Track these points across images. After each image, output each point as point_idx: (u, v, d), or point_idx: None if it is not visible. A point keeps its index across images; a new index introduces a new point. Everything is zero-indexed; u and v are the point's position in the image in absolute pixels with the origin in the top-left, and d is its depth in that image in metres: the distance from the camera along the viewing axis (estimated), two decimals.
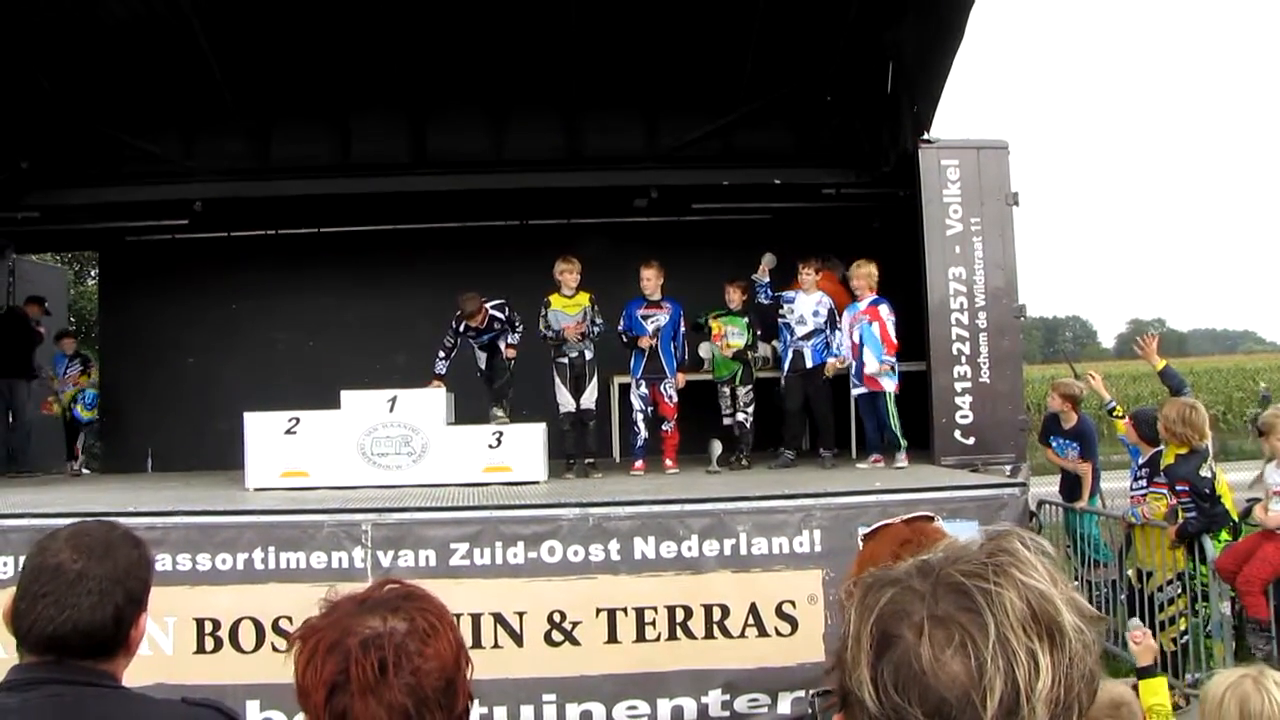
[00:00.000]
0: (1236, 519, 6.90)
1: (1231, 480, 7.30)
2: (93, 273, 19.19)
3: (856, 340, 9.18)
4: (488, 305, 9.40)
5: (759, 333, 9.95)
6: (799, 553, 6.88)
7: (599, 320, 9.42)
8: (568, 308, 9.31)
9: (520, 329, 9.49)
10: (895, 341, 9.11)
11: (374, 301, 11.61)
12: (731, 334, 9.73)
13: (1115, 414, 8.38)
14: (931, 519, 3.41)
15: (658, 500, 7.10)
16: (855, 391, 9.33)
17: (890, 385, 9.08)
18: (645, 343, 9.41)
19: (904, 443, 8.97)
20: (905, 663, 1.16)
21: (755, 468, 9.43)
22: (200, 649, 6.47)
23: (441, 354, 9.51)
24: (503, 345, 9.49)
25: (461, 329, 9.43)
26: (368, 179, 10.83)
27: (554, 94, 10.95)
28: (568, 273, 9.42)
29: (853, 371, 9.28)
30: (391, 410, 8.48)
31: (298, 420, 8.48)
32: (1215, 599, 6.48)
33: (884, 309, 9.15)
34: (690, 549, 6.85)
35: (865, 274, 9.24)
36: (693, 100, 11.00)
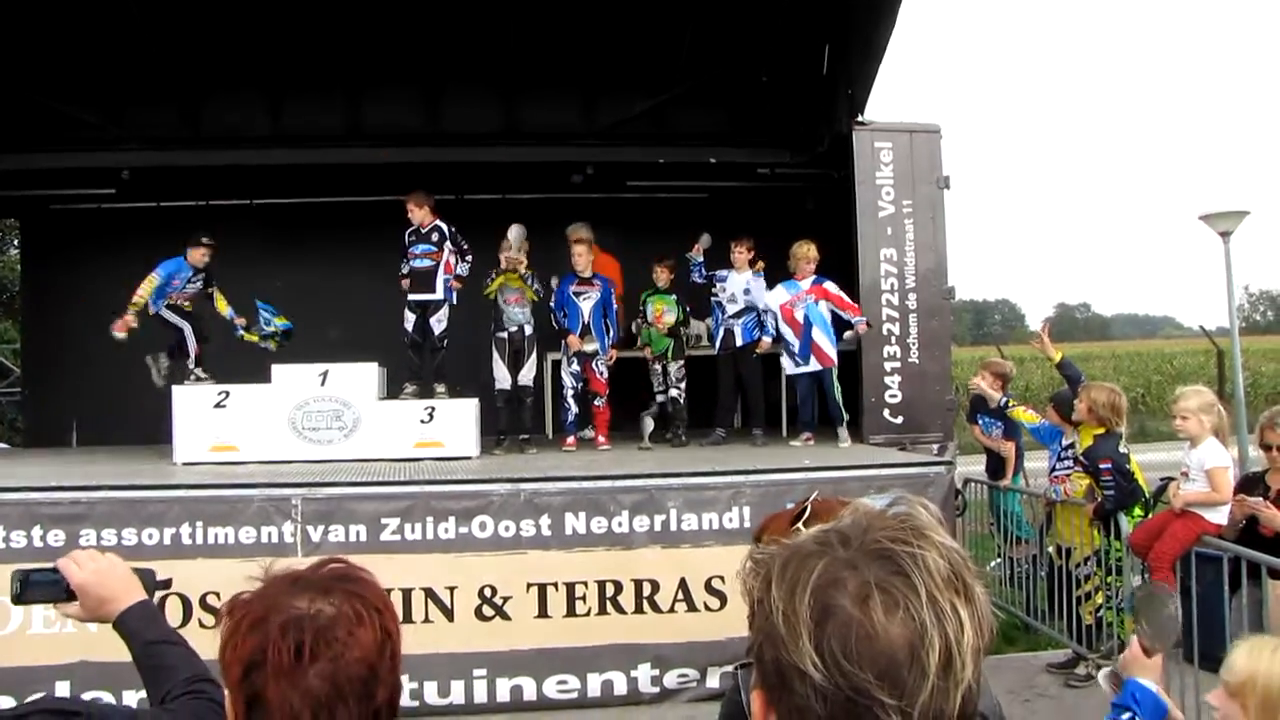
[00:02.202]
0: (1149, 496, 7.10)
1: (1148, 460, 7.48)
2: (16, 242, 18.68)
3: (800, 320, 9.18)
4: (440, 221, 9.21)
5: (689, 309, 10.02)
6: (729, 529, 6.93)
7: (538, 285, 9.28)
8: (512, 281, 9.21)
9: (469, 260, 9.27)
10: (857, 306, 9.10)
11: (307, 274, 11.46)
12: (664, 312, 9.80)
13: (1010, 406, 8.54)
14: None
15: (589, 476, 7.13)
16: (792, 370, 9.32)
17: (834, 360, 9.14)
18: (574, 343, 9.39)
19: (845, 416, 9.05)
20: (849, 630, 1.18)
21: (688, 445, 9.49)
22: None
23: (403, 265, 9.35)
24: (445, 258, 9.16)
25: (407, 235, 9.25)
26: (301, 150, 10.70)
27: (491, 69, 10.88)
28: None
29: (795, 352, 9.23)
30: (323, 384, 8.43)
31: (227, 394, 8.40)
32: (1128, 573, 6.67)
33: (830, 284, 9.16)
34: (621, 524, 6.88)
35: (805, 254, 9.25)
36: (630, 78, 10.99)
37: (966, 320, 66.04)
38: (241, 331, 9.42)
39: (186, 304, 9.36)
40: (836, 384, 9.11)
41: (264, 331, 9.43)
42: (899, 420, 9.06)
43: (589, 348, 9.36)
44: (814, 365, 9.15)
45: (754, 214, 11.09)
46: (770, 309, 9.39)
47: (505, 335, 9.32)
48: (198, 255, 9.21)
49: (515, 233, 9.21)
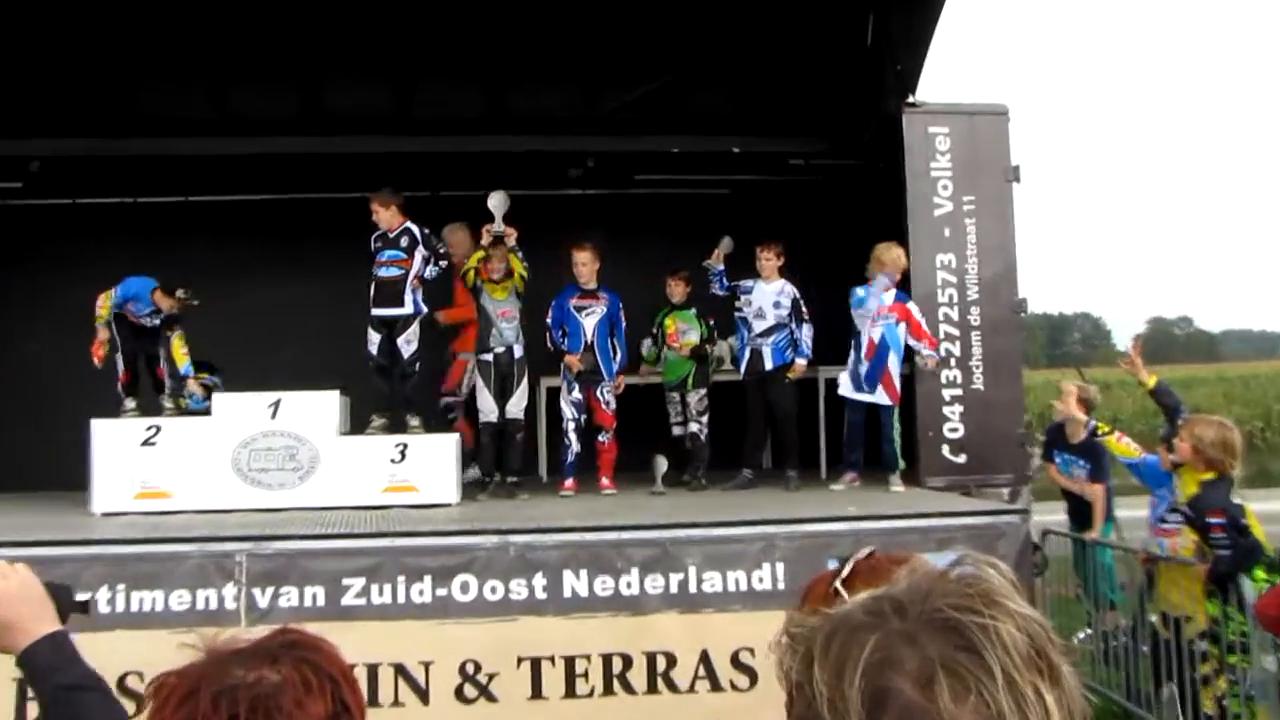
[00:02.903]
0: (1273, 554, 6.95)
1: (1268, 511, 7.32)
2: None
3: (876, 340, 9.12)
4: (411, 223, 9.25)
5: (713, 324, 10.06)
6: (759, 590, 6.88)
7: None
8: (496, 291, 9.24)
9: (441, 265, 9.29)
10: (935, 338, 9.08)
11: (254, 284, 11.43)
12: (684, 331, 9.85)
13: (1101, 433, 8.43)
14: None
15: (592, 527, 7.12)
16: (851, 395, 9.24)
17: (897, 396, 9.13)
18: (572, 362, 9.42)
19: (901, 464, 9.04)
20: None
21: (710, 489, 9.47)
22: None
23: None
24: (415, 268, 9.17)
25: (374, 238, 9.27)
26: (246, 139, 10.71)
27: (472, 42, 10.90)
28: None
29: (862, 375, 9.17)
30: (274, 417, 8.41)
31: (158, 429, 8.38)
32: (1256, 651, 6.50)
33: (914, 306, 9.12)
34: (630, 585, 6.85)
35: (893, 260, 9.14)
36: (638, 53, 11.01)
37: (1041, 338, 65.60)
38: (168, 399, 9.49)
39: (141, 321, 9.53)
40: (897, 423, 9.10)
41: (193, 405, 9.47)
42: (961, 459, 8.99)
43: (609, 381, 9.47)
44: (879, 397, 9.12)
45: (784, 213, 11.09)
46: (807, 321, 9.46)
47: (491, 358, 9.31)
48: (166, 303, 9.37)
49: (497, 200, 9.22)
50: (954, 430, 9.06)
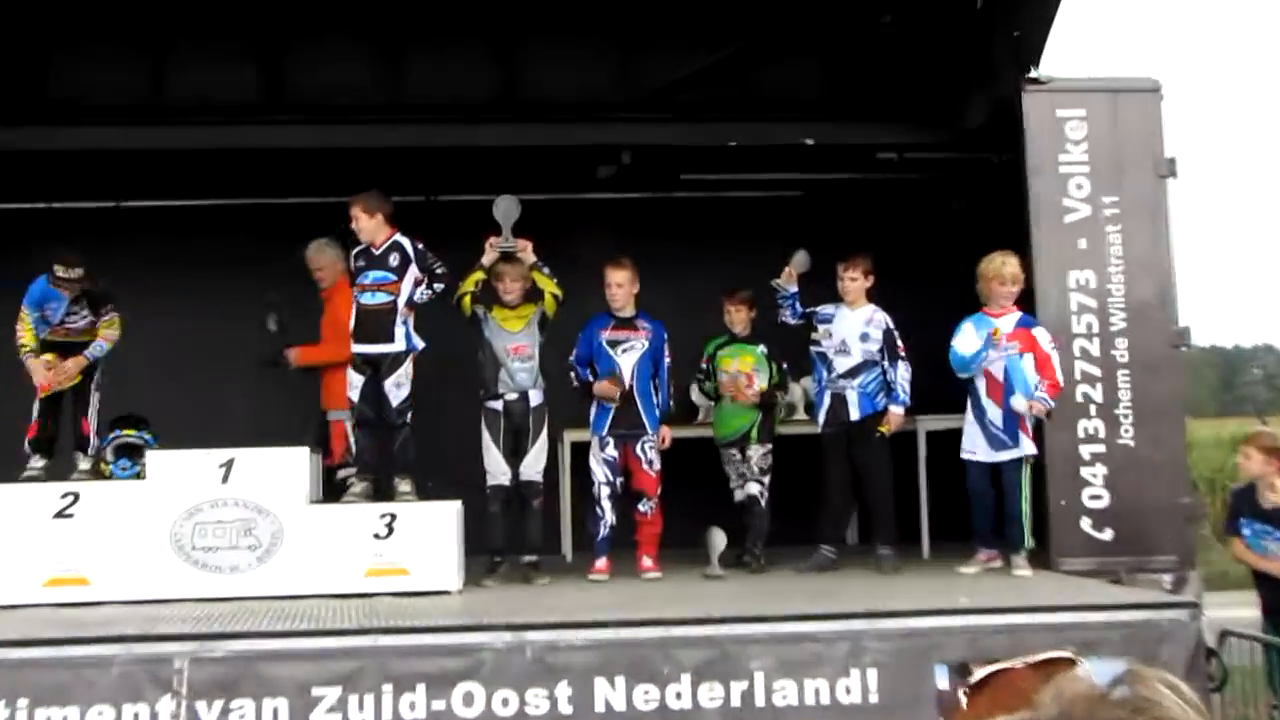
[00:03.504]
0: None
1: None
2: None
3: (1000, 378, 9.04)
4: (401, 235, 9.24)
5: (784, 366, 9.96)
6: (846, 704, 6.81)
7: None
8: (509, 321, 9.20)
9: (441, 283, 9.19)
10: (1060, 380, 8.96)
11: (200, 312, 11.42)
12: (737, 375, 9.78)
13: None
14: (1073, 661, 3.30)
15: (630, 621, 7.14)
16: (984, 456, 9.12)
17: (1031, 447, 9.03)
18: (609, 390, 9.36)
19: (1030, 541, 8.92)
20: None
21: (777, 570, 9.42)
22: None
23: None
24: (406, 293, 9.11)
25: (354, 254, 9.26)
26: (193, 129, 10.70)
27: (479, 8, 10.93)
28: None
29: (993, 427, 9.05)
30: (225, 481, 8.41)
31: (75, 497, 8.34)
32: None
33: (1042, 332, 9.03)
34: (680, 696, 6.80)
35: (1010, 275, 9.09)
36: (684, 23, 11.02)
37: (1209, 378, 64.81)
38: (86, 461, 9.47)
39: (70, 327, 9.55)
40: (1027, 483, 8.95)
41: (119, 473, 9.48)
42: (1107, 536, 8.87)
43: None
44: (1022, 449, 8.99)
45: (873, 221, 11.08)
46: (903, 357, 9.39)
47: (500, 406, 9.25)
48: (70, 272, 9.27)
49: (504, 207, 9.20)
50: (1096, 498, 8.94)
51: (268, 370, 10.17)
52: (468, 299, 9.21)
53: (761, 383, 9.73)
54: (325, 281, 9.74)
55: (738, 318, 9.82)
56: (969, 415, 9.13)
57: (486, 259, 9.15)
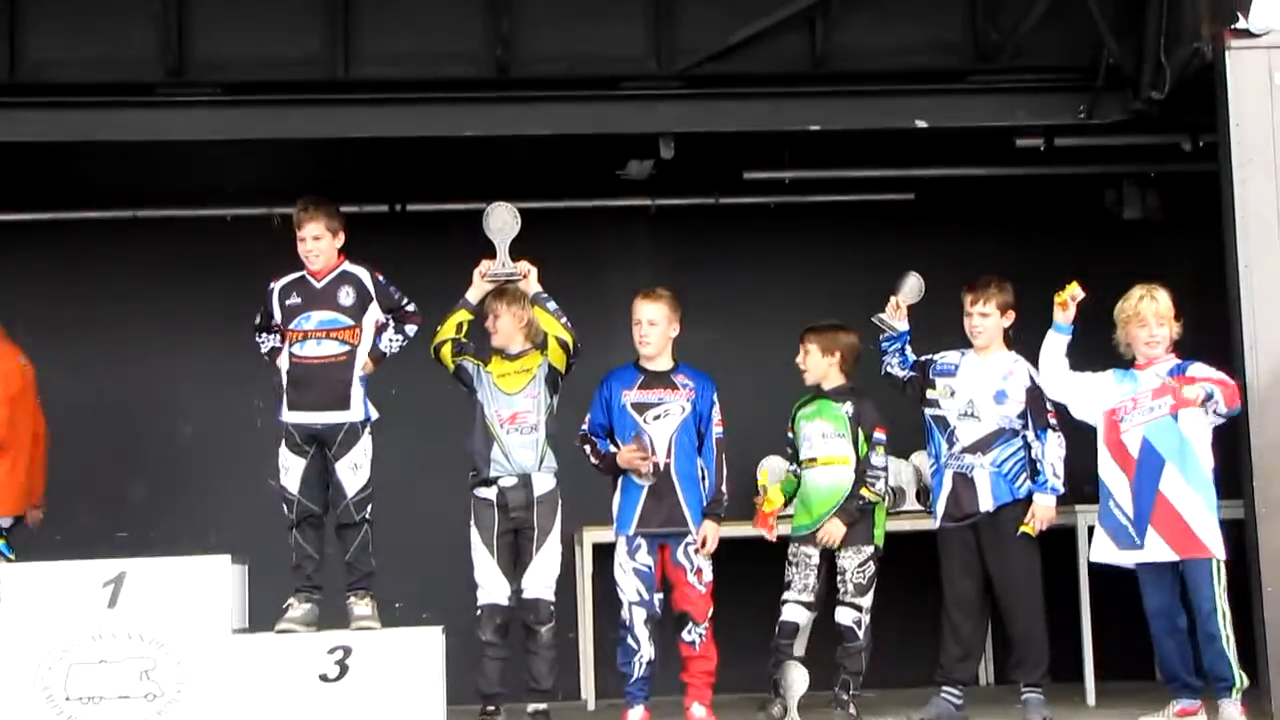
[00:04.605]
0: None
1: None
2: None
3: (1134, 451, 8.83)
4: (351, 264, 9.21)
5: (878, 436, 9.67)
6: None
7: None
8: (507, 378, 9.09)
9: (414, 324, 9.25)
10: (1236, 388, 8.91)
11: (76, 367, 11.43)
12: (824, 436, 9.53)
13: None
14: None
15: None
16: (1115, 558, 8.95)
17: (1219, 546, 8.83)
18: (640, 465, 9.18)
19: (1241, 677, 8.67)
20: None
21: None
22: None
23: (259, 336, 9.47)
24: (367, 343, 9.11)
25: (279, 291, 9.16)
26: (65, 111, 10.59)
27: None
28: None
29: (1129, 516, 8.84)
30: (112, 604, 8.34)
31: None
32: None
33: (1200, 367, 8.91)
34: None
35: (1153, 313, 8.96)
36: None
37: None
38: None
39: None
40: (1223, 597, 8.69)
41: None
42: None
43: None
44: (1157, 552, 8.75)
45: (1008, 235, 11.12)
46: (1053, 427, 9.23)
47: (493, 495, 9.09)
48: None
49: (499, 219, 9.14)
50: None
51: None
52: (448, 348, 9.10)
53: (841, 453, 9.47)
54: None
55: (812, 363, 9.55)
56: (1102, 503, 9.05)
57: (474, 294, 9.08)
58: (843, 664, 9.41)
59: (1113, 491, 8.90)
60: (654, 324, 9.27)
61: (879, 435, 9.57)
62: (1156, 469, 8.75)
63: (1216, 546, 8.65)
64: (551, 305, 9.10)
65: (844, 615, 9.38)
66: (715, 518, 9.31)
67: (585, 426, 9.39)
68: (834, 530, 9.26)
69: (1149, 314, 8.91)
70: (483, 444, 9.09)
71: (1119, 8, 10.51)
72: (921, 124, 10.67)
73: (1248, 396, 8.90)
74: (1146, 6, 10.23)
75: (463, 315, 9.06)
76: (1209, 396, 8.65)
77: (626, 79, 10.78)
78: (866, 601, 9.41)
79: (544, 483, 9.08)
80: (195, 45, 10.74)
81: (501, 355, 9.12)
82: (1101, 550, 9.00)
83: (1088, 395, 9.04)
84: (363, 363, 8.98)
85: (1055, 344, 9.06)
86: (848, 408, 9.52)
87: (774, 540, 9.64)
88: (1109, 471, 8.91)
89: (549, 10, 10.85)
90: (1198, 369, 8.86)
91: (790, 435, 9.81)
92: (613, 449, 9.30)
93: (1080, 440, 9.29)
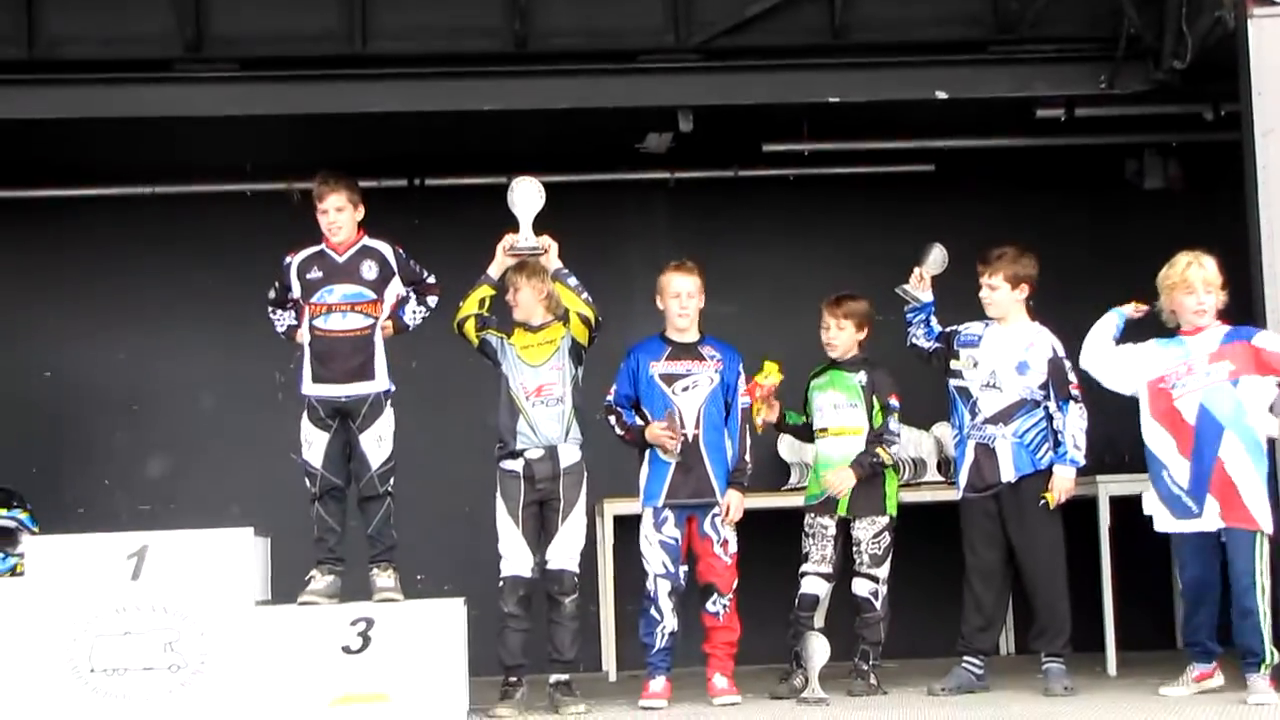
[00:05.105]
0: None
1: None
2: None
3: (1191, 419, 8.70)
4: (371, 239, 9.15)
5: (893, 404, 9.66)
6: None
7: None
8: (530, 350, 9.05)
9: (435, 295, 9.23)
10: None
11: (96, 340, 11.54)
12: (835, 406, 9.53)
13: None
14: None
15: None
16: (1170, 526, 8.83)
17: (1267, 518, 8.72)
18: (664, 437, 9.12)
19: (1273, 653, 8.55)
20: None
21: (900, 692, 9.42)
22: None
23: (274, 313, 9.46)
24: (380, 327, 9.06)
25: (298, 265, 9.10)
26: (84, 88, 10.60)
27: None
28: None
29: (1183, 486, 8.70)
30: (135, 576, 8.30)
31: None
32: None
33: (1268, 339, 8.78)
34: None
35: (1201, 281, 8.79)
36: None
37: None
38: None
39: None
40: (1263, 568, 8.58)
41: None
42: None
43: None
44: (1214, 520, 8.64)
45: (1031, 204, 11.14)
46: (1076, 397, 9.18)
47: (519, 467, 9.06)
48: None
49: (523, 192, 9.08)
50: None
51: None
52: (472, 323, 9.11)
53: (855, 423, 9.45)
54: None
55: (840, 332, 9.48)
56: (1154, 470, 8.88)
57: (495, 268, 9.06)
58: (861, 635, 9.42)
59: (1165, 462, 8.78)
60: (691, 296, 9.28)
61: (894, 402, 9.56)
62: (1216, 436, 8.64)
63: (1265, 519, 8.57)
64: (572, 281, 9.09)
65: (861, 586, 9.41)
66: (739, 486, 9.30)
67: (610, 398, 9.38)
68: (844, 477, 9.22)
69: (1197, 281, 8.77)
70: (508, 416, 9.09)
71: None
72: (941, 95, 10.71)
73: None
74: None
75: (485, 291, 9.05)
76: None
77: (644, 52, 10.81)
78: (883, 572, 9.42)
79: (570, 454, 9.08)
80: (213, 21, 10.83)
81: (524, 328, 9.07)
82: (1162, 521, 8.83)
83: (1129, 365, 8.92)
84: (382, 330, 8.96)
85: (1110, 322, 8.99)
86: (860, 377, 9.52)
87: (759, 426, 9.53)
88: (1158, 441, 8.78)
89: None
90: (1267, 340, 8.71)
91: (806, 409, 9.80)
92: (639, 421, 9.29)
93: (1102, 411, 9.31)
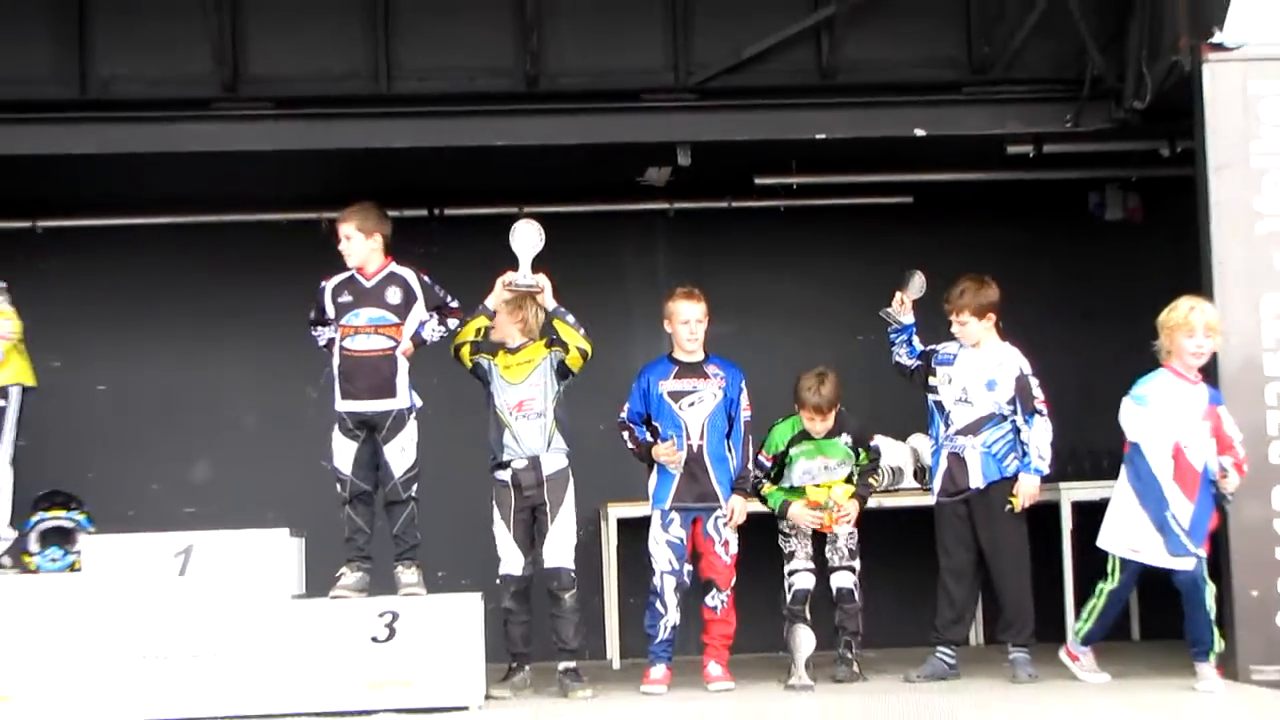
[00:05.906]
0: None
1: None
2: None
3: (1198, 465, 8.80)
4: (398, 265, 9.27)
5: (874, 444, 9.97)
6: None
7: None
8: (511, 370, 9.29)
9: (455, 318, 9.28)
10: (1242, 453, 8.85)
11: (148, 357, 11.64)
12: (826, 468, 9.68)
13: None
14: None
15: None
16: (1167, 562, 8.80)
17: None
18: (671, 456, 9.40)
19: (1219, 642, 8.78)
20: None
21: (879, 679, 9.52)
22: None
23: (315, 329, 9.51)
24: (404, 347, 9.17)
25: (331, 289, 9.27)
26: (127, 125, 10.82)
27: None
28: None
29: (1182, 524, 8.74)
30: (182, 571, 8.54)
31: None
32: None
33: (1227, 412, 8.90)
34: None
35: (1204, 325, 8.83)
36: None
37: None
38: (3, 555, 9.63)
39: None
40: (1209, 580, 8.77)
41: (46, 565, 9.61)
42: None
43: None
44: (1196, 557, 8.76)
45: (1002, 235, 11.20)
46: (1040, 411, 9.38)
47: (508, 477, 9.32)
48: None
49: (524, 235, 9.22)
50: None
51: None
52: (467, 349, 9.31)
53: (836, 473, 9.60)
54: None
55: (818, 428, 9.57)
56: (1132, 504, 8.89)
57: (493, 300, 9.21)
58: (844, 625, 9.58)
59: (1171, 505, 8.70)
60: (700, 322, 9.41)
61: (874, 444, 9.89)
62: (1209, 486, 8.77)
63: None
64: (570, 319, 9.13)
65: (843, 579, 9.54)
66: (743, 493, 9.49)
67: (624, 415, 9.54)
68: (853, 507, 9.39)
69: (1198, 324, 8.77)
70: (496, 431, 9.27)
71: (1103, 23, 10.59)
72: (920, 132, 10.80)
73: (1216, 380, 8.93)
74: (1129, 22, 10.31)
75: (482, 320, 9.19)
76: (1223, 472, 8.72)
77: (646, 91, 10.94)
78: (858, 565, 9.57)
79: (553, 462, 9.24)
80: (249, 63, 10.93)
81: (505, 350, 9.29)
82: (1153, 554, 8.75)
83: (1162, 431, 8.79)
84: (404, 347, 9.03)
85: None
86: (845, 439, 9.64)
87: (831, 520, 9.49)
88: (1171, 487, 8.71)
89: (574, 28, 10.99)
90: (1226, 414, 8.83)
91: (768, 465, 9.73)
92: (649, 438, 9.44)
93: (1065, 424, 9.56)
